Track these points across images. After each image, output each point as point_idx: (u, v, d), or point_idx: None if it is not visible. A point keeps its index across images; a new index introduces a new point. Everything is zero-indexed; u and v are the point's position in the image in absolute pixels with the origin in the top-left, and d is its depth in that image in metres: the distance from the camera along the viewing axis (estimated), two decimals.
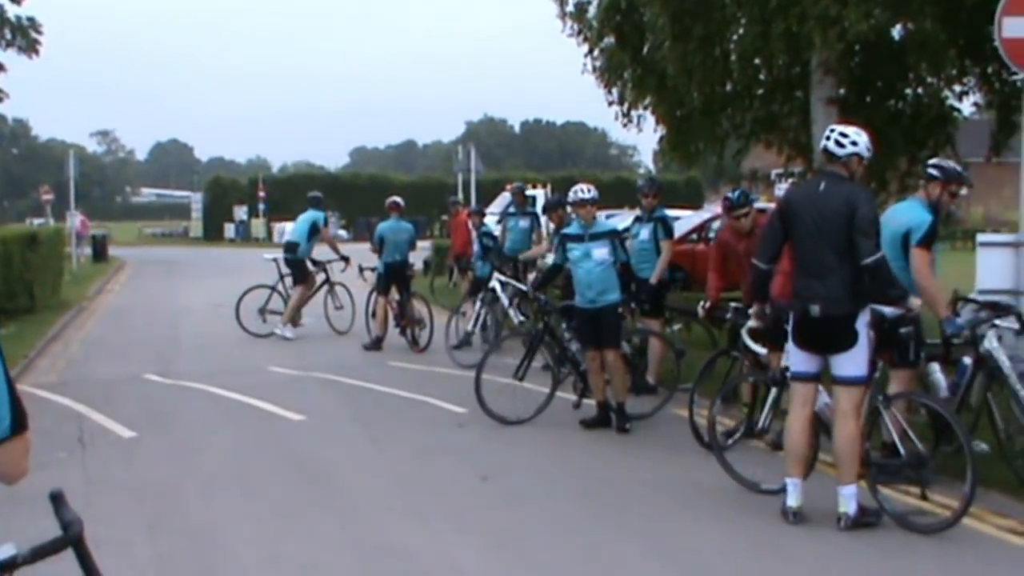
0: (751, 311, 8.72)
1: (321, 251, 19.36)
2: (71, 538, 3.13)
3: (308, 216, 19.08)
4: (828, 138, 7.59)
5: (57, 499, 3.18)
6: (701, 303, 11.08)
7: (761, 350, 9.15)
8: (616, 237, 11.18)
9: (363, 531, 7.78)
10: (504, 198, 45.87)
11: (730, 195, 10.87)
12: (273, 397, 12.72)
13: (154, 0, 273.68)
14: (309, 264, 19.10)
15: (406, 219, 17.64)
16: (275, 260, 19.06)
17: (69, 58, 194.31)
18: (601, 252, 10.91)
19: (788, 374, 7.91)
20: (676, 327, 13.97)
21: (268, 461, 9.93)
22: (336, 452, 10.21)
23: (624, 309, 11.42)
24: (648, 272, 12.66)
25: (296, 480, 9.25)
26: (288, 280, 18.92)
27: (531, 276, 17.61)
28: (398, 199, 17.62)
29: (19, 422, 2.98)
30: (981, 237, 10.71)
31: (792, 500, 7.61)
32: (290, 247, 18.99)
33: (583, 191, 11.12)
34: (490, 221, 20.55)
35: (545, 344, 11.78)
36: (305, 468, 9.66)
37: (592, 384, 11.30)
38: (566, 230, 11.67)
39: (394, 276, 17.05)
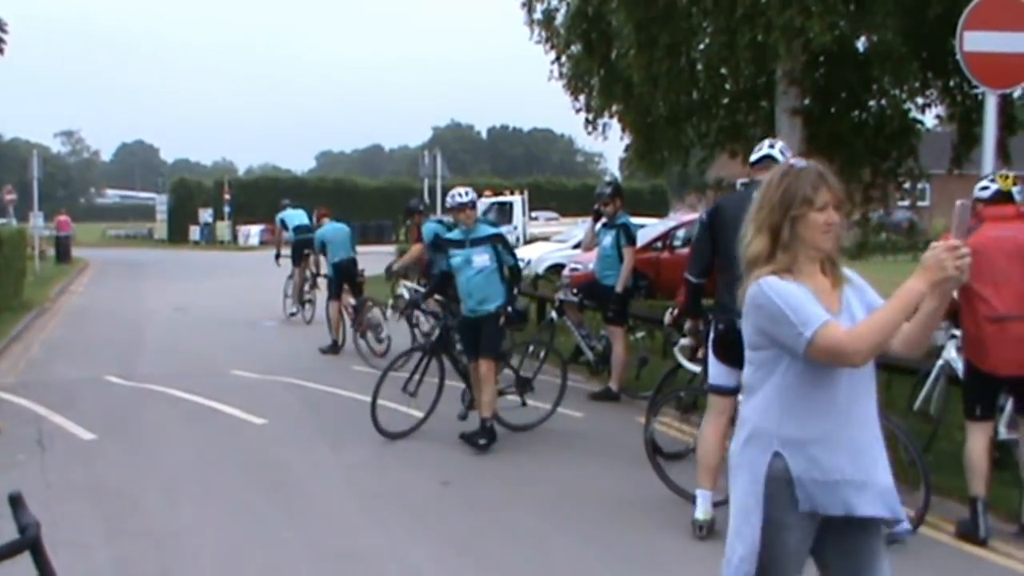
0: (685, 328, 8.64)
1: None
2: (28, 541, 3.12)
3: (301, 212, 21.32)
4: (772, 147, 7.65)
5: (15, 501, 3.17)
6: (669, 310, 11.08)
7: (694, 368, 8.96)
8: (499, 241, 10.60)
9: (323, 536, 7.76)
10: (482, 204, 46.05)
11: None
12: (235, 400, 12.68)
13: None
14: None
15: (342, 221, 18.25)
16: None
17: (35, 57, 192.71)
18: (482, 259, 10.41)
19: (706, 386, 7.77)
20: (640, 334, 14.01)
21: (229, 465, 9.90)
22: (297, 456, 10.19)
23: (503, 315, 10.48)
24: (612, 279, 12.67)
25: (257, 484, 9.22)
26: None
27: None
28: (322, 207, 19.17)
29: None
30: None
31: (700, 512, 7.52)
32: (307, 229, 20.32)
33: (460, 195, 10.69)
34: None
35: (436, 356, 11.07)
36: (266, 472, 9.63)
37: (475, 397, 10.81)
38: (448, 235, 11.21)
39: (345, 275, 17.37)
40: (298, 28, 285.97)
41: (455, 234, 10.86)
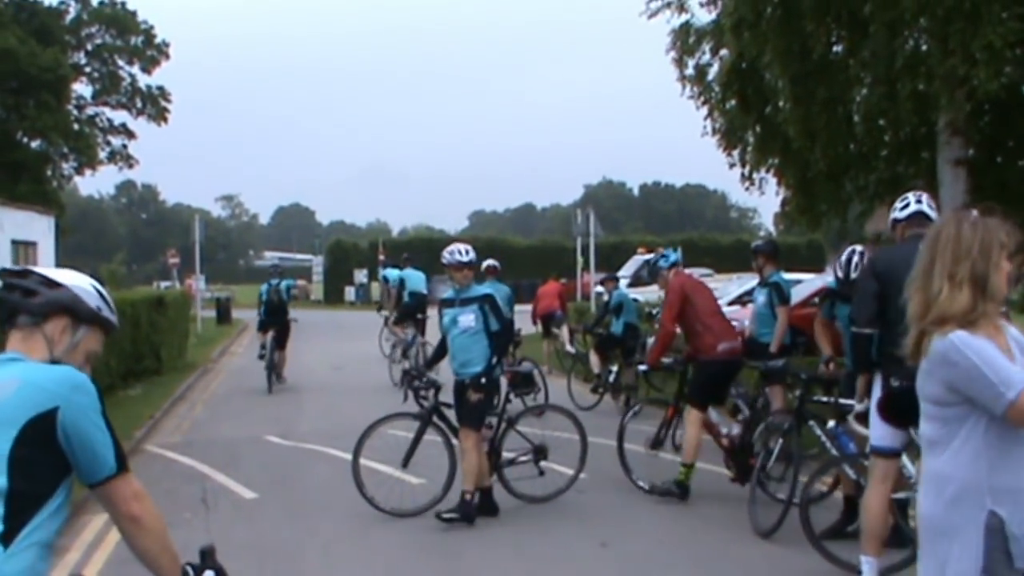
0: (858, 386, 7.94)
1: None
2: None
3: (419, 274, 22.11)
4: (920, 201, 7.47)
5: (206, 555, 3.35)
6: (822, 361, 10.78)
7: (866, 432, 8.02)
8: (487, 303, 10.13)
9: None
10: (635, 262, 45.95)
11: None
12: (392, 459, 12.68)
13: (279, 69, 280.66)
14: None
15: (503, 282, 18.01)
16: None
17: (196, 125, 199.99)
18: (467, 319, 10.05)
19: (869, 448, 7.37)
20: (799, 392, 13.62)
21: (386, 524, 9.92)
22: None
23: (473, 386, 9.97)
24: (768, 337, 12.51)
25: (414, 544, 9.22)
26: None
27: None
28: (495, 262, 18.03)
29: (121, 462, 3.08)
30: None
31: None
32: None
33: (460, 252, 10.25)
34: (622, 285, 20.91)
35: (434, 425, 10.57)
36: (423, 532, 9.62)
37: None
38: (443, 295, 10.73)
39: None
40: (451, 95, 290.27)
41: (448, 293, 10.53)
